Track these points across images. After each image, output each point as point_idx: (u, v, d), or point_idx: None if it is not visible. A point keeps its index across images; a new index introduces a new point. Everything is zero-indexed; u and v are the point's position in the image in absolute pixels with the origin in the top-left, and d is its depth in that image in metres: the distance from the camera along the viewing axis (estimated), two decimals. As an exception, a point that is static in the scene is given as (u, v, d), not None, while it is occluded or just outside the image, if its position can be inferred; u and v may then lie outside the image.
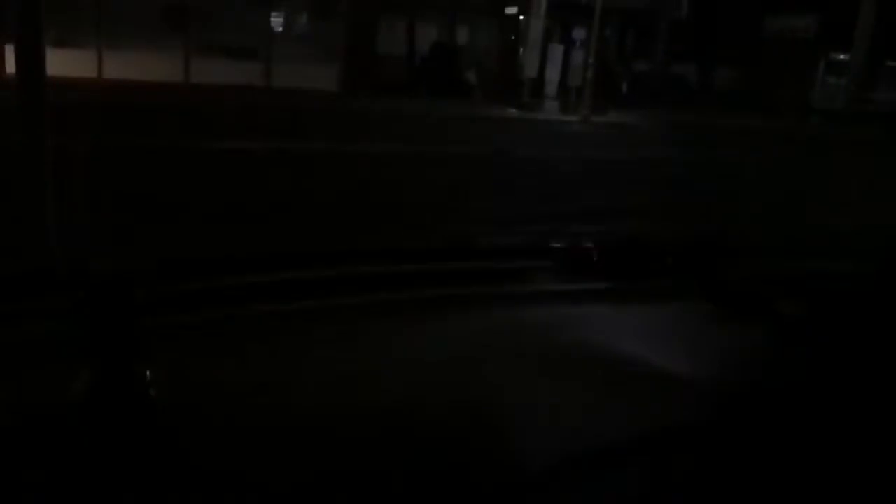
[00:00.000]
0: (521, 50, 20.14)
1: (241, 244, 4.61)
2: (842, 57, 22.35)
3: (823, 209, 7.41)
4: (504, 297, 1.29)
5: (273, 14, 18.75)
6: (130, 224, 5.04)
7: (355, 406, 0.90)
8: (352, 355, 1.01)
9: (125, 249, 4.04)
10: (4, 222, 2.71)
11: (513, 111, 17.74)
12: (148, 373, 0.84)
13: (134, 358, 0.85)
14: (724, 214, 6.94)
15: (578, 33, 19.85)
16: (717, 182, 9.28)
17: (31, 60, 2.88)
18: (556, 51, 20.26)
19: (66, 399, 0.80)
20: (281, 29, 19.18)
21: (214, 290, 1.13)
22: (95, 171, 6.35)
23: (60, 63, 11.40)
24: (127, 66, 16.45)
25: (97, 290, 0.91)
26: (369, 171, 8.58)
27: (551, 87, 20.18)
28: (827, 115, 20.86)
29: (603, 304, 1.27)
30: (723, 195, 8.22)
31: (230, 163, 8.37)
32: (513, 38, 21.02)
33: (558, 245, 1.60)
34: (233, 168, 8.07)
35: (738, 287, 1.34)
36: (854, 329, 1.19)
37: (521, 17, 20.41)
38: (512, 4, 20.53)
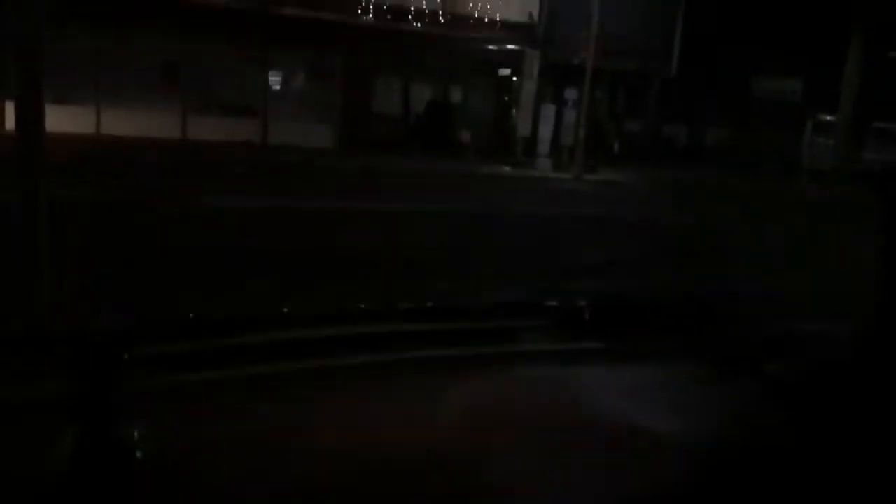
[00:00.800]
0: (515, 109, 20.53)
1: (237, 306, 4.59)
2: (828, 118, 22.80)
3: (808, 270, 7.44)
4: (497, 357, 1.28)
5: (270, 73, 19.07)
6: (119, 282, 5.03)
7: (347, 470, 0.88)
8: (346, 417, 1.00)
9: (114, 309, 4.01)
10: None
11: (506, 169, 17.96)
12: (135, 433, 0.83)
13: (120, 418, 0.84)
14: (711, 274, 6.95)
15: (570, 93, 20.28)
16: (703, 241, 9.35)
17: (30, 117, 2.91)
18: (549, 110, 20.65)
19: (52, 459, 0.79)
20: (278, 87, 19.49)
21: (201, 351, 1.12)
22: (90, 227, 6.36)
23: (60, 120, 11.55)
24: (125, 123, 16.67)
25: (84, 350, 0.91)
26: (359, 228, 8.62)
27: (544, 145, 20.50)
28: (815, 175, 21.15)
29: (595, 365, 1.27)
30: (709, 255, 8.26)
31: (222, 220, 8.40)
32: (506, 98, 21.43)
33: (552, 304, 1.60)
34: (225, 226, 8.09)
35: (729, 347, 1.34)
36: (842, 391, 1.19)
37: (515, 78, 20.86)
38: (505, 65, 20.99)
